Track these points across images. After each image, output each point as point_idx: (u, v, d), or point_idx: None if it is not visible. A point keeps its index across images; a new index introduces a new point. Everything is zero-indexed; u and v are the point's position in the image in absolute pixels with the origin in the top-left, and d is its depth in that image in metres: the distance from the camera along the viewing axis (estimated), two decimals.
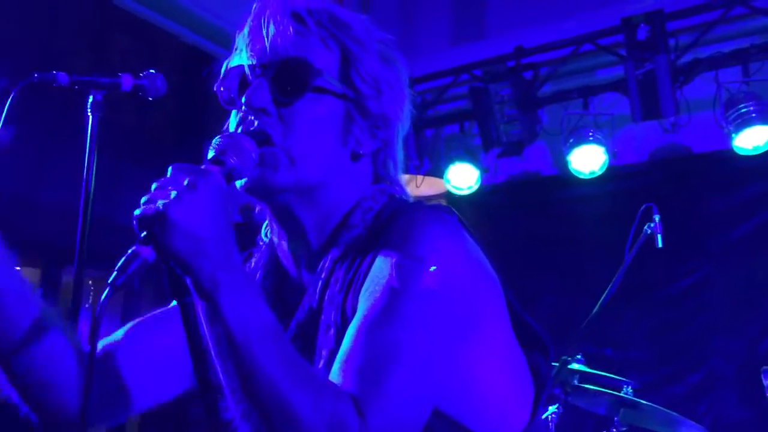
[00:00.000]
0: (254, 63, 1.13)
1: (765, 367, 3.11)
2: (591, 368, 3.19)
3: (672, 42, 4.43)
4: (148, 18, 4.82)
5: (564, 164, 4.85)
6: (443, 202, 5.83)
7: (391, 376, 0.93)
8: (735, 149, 4.33)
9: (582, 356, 3.13)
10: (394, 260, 1.01)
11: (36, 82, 1.30)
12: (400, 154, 1.23)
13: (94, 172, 1.57)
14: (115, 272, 0.88)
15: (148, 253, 0.88)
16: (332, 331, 1.06)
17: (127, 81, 1.62)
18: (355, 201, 1.15)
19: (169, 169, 0.95)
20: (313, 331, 1.10)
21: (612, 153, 4.72)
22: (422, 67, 5.27)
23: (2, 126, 1.12)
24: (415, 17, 6.07)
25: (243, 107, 1.12)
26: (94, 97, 1.60)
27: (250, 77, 1.13)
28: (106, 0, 4.72)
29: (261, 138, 1.08)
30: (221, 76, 1.18)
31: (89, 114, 1.59)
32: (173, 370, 1.20)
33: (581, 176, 4.81)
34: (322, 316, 1.09)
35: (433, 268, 1.00)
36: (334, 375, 0.96)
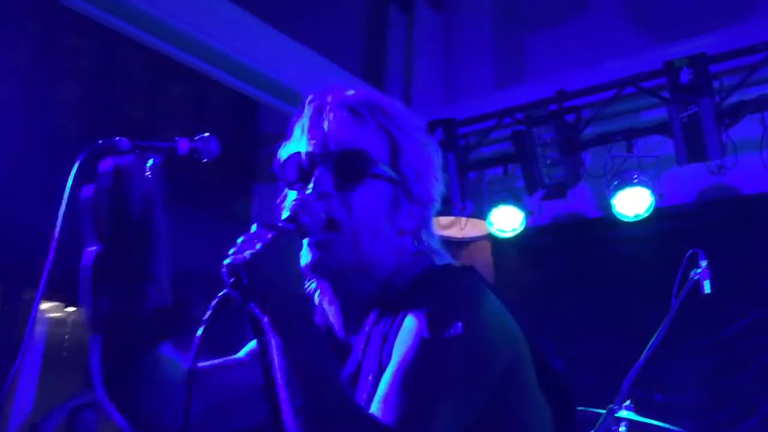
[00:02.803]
0: (314, 151, 1.25)
1: None
2: (640, 415, 3.13)
3: (716, 84, 4.41)
4: (195, 66, 5.01)
5: (608, 206, 4.83)
6: (488, 244, 5.84)
7: (423, 411, 1.06)
8: None
9: (631, 403, 3.08)
10: (426, 314, 1.13)
11: (99, 150, 1.37)
12: (432, 226, 1.36)
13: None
14: (209, 311, 1.05)
15: (235, 295, 1.05)
16: (371, 377, 1.18)
17: (183, 145, 1.70)
18: (396, 269, 1.27)
19: (254, 225, 1.11)
20: (358, 379, 1.23)
21: (658, 195, 4.69)
22: (466, 110, 5.34)
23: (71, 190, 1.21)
24: (459, 61, 6.17)
25: (306, 190, 1.24)
26: (153, 161, 1.69)
27: (308, 164, 1.25)
28: (159, 53, 4.92)
29: (329, 221, 1.22)
30: (281, 158, 1.31)
31: (150, 176, 1.68)
32: (247, 402, 1.34)
33: (625, 219, 4.78)
34: (363, 367, 1.22)
35: (460, 323, 1.11)
36: (374, 410, 1.08)
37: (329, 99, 1.27)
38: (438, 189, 1.34)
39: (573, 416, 1.29)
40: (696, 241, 3.43)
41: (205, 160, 1.79)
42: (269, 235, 1.08)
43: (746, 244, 4.68)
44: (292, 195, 1.28)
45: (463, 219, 5.67)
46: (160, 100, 6.60)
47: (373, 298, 1.26)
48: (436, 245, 1.34)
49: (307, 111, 1.28)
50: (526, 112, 4.99)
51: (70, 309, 7.19)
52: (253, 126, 7.21)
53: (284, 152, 1.31)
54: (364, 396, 1.17)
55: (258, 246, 1.06)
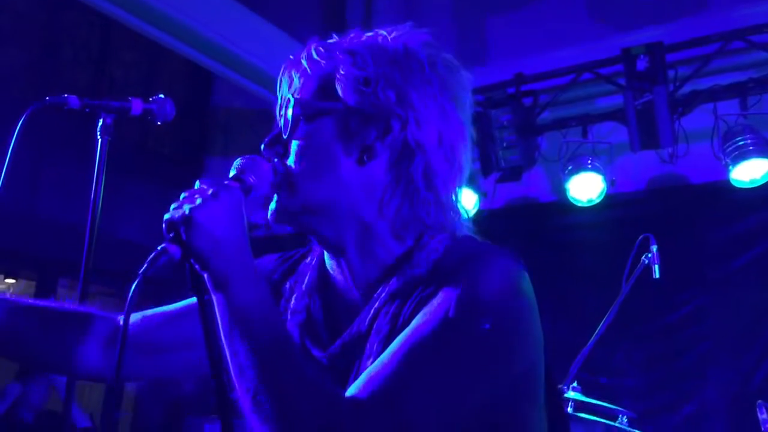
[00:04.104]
0: (297, 97, 1.21)
1: (760, 401, 3.11)
2: (587, 397, 3.18)
3: (671, 73, 4.47)
4: (150, 35, 4.85)
5: (562, 191, 4.88)
6: None
7: (406, 393, 0.98)
8: (732, 181, 4.36)
9: (578, 384, 3.13)
10: (456, 295, 1.05)
11: (47, 106, 1.32)
12: (460, 198, 1.25)
13: (102, 191, 1.60)
14: (145, 265, 1.02)
15: (174, 250, 1.03)
16: (372, 360, 1.09)
17: (137, 105, 1.65)
18: (375, 207, 1.18)
19: (197, 181, 1.08)
20: (355, 355, 1.15)
21: (610, 181, 4.75)
22: None
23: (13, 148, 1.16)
24: None
25: (283, 136, 1.21)
26: (104, 121, 1.63)
27: (294, 110, 1.20)
28: (109, 17, 4.74)
29: (278, 164, 1.19)
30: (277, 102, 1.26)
31: (99, 136, 1.62)
32: (182, 350, 1.34)
33: (579, 203, 4.83)
34: (367, 343, 1.13)
35: (489, 315, 1.03)
36: (357, 381, 1.02)
37: (303, 55, 1.23)
38: (468, 154, 1.26)
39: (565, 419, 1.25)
40: (646, 229, 3.48)
41: (160, 122, 1.73)
42: (210, 191, 1.04)
43: (694, 233, 4.79)
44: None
45: None
46: (109, 69, 6.39)
47: (390, 265, 1.17)
48: (462, 213, 1.24)
49: (304, 53, 1.23)
50: (485, 94, 4.98)
51: (10, 281, 6.98)
52: (206, 98, 7.06)
53: (278, 95, 1.26)
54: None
55: (198, 201, 1.03)
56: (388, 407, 0.97)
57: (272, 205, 1.20)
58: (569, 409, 3.03)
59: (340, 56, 1.20)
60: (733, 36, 4.36)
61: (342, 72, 1.18)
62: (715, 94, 4.42)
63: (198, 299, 1.07)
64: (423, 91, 1.19)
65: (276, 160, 1.20)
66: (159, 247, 1.03)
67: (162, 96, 1.69)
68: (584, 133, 4.90)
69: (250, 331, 0.99)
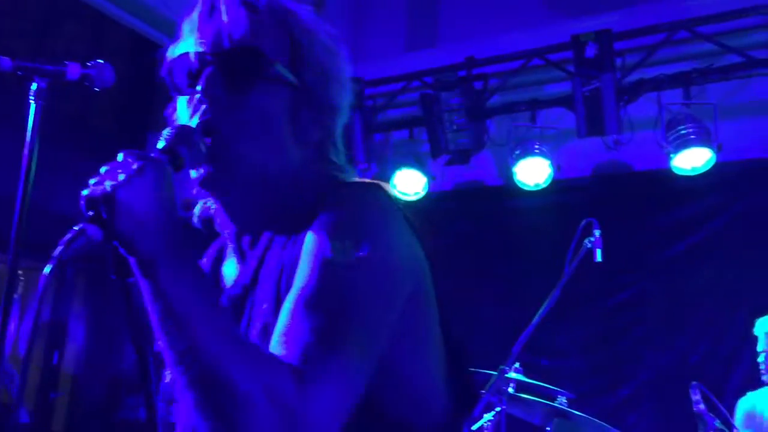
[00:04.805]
0: (204, 50, 1.12)
1: (693, 383, 3.20)
2: (528, 378, 3.23)
3: (619, 61, 4.54)
4: (94, 3, 4.69)
5: (509, 175, 4.92)
6: None
7: (329, 346, 0.96)
8: (674, 169, 4.46)
9: (520, 366, 3.17)
10: (329, 232, 1.03)
11: None
12: (340, 141, 1.24)
13: (35, 161, 1.52)
14: (60, 247, 0.91)
15: (94, 231, 0.92)
16: (265, 306, 1.08)
17: (73, 70, 1.57)
18: (295, 183, 1.16)
19: (120, 154, 0.97)
20: (245, 306, 1.13)
21: (556, 166, 4.81)
22: (374, 71, 5.28)
23: None
24: (369, 21, 6.07)
25: (195, 95, 1.12)
26: (38, 85, 1.55)
27: (199, 65, 1.12)
28: None
29: (212, 129, 1.10)
30: (167, 62, 1.17)
31: (32, 101, 1.54)
32: None
33: (526, 188, 4.88)
34: (257, 292, 1.11)
35: (370, 243, 1.02)
36: (274, 347, 0.98)
37: None
38: (346, 96, 1.21)
39: (469, 374, 1.23)
40: (590, 213, 3.54)
41: (98, 88, 1.65)
42: (135, 165, 0.94)
43: (636, 218, 4.89)
44: (182, 102, 1.16)
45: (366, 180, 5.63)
46: (50, 40, 6.16)
47: (269, 215, 1.15)
48: (343, 161, 1.22)
49: (198, 7, 1.14)
50: (435, 77, 4.98)
51: None
52: (151, 71, 6.87)
53: (171, 54, 1.16)
54: (258, 326, 1.07)
55: (121, 177, 0.92)
56: (328, 372, 0.95)
57: (199, 174, 1.11)
58: (510, 389, 3.08)
59: (299, 27, 1.16)
60: (679, 26, 4.44)
61: (309, 50, 1.15)
62: (659, 83, 4.50)
63: (120, 286, 0.97)
64: (345, 83, 1.21)
65: (217, 118, 1.10)
66: (76, 228, 0.91)
67: (101, 61, 1.61)
68: (533, 118, 4.95)
69: (186, 321, 0.92)
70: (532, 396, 3.15)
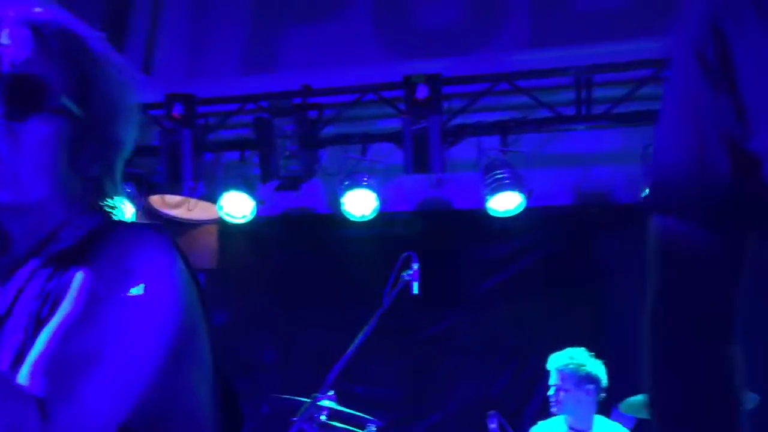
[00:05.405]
0: None
1: (491, 411, 3.42)
2: (342, 405, 3.29)
3: (445, 105, 4.80)
4: None
5: (338, 205, 5.01)
6: (215, 229, 5.73)
7: (81, 380, 0.95)
8: (489, 210, 4.77)
9: (334, 393, 3.23)
10: (100, 270, 1.03)
11: None
12: (119, 177, 1.23)
13: None
14: None
15: None
16: (20, 336, 1.04)
17: None
18: (66, 219, 1.14)
19: None
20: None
21: (383, 200, 4.97)
22: (208, 90, 5.19)
23: None
24: (207, 39, 5.97)
25: None
26: None
27: None
28: None
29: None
30: None
31: None
32: None
33: (352, 218, 5.00)
34: (11, 321, 1.07)
35: (139, 281, 1.03)
36: (23, 377, 0.95)
37: (10, 13, 1.08)
38: (131, 132, 1.20)
39: (238, 410, 1.22)
40: (410, 247, 3.71)
41: None
42: None
43: (453, 254, 5.17)
44: None
45: (193, 200, 5.51)
46: None
47: (32, 246, 1.11)
48: (120, 201, 1.21)
49: None
50: (271, 102, 4.99)
51: None
52: None
53: None
54: (9, 356, 1.03)
55: None
56: (69, 399, 0.94)
57: None
58: (323, 417, 3.12)
59: (88, 58, 1.12)
60: (501, 78, 4.78)
61: (97, 82, 1.12)
62: (480, 129, 4.80)
63: None
64: (133, 117, 1.20)
65: None
66: None
67: None
68: (363, 151, 5.08)
69: None
70: (342, 424, 3.21)
